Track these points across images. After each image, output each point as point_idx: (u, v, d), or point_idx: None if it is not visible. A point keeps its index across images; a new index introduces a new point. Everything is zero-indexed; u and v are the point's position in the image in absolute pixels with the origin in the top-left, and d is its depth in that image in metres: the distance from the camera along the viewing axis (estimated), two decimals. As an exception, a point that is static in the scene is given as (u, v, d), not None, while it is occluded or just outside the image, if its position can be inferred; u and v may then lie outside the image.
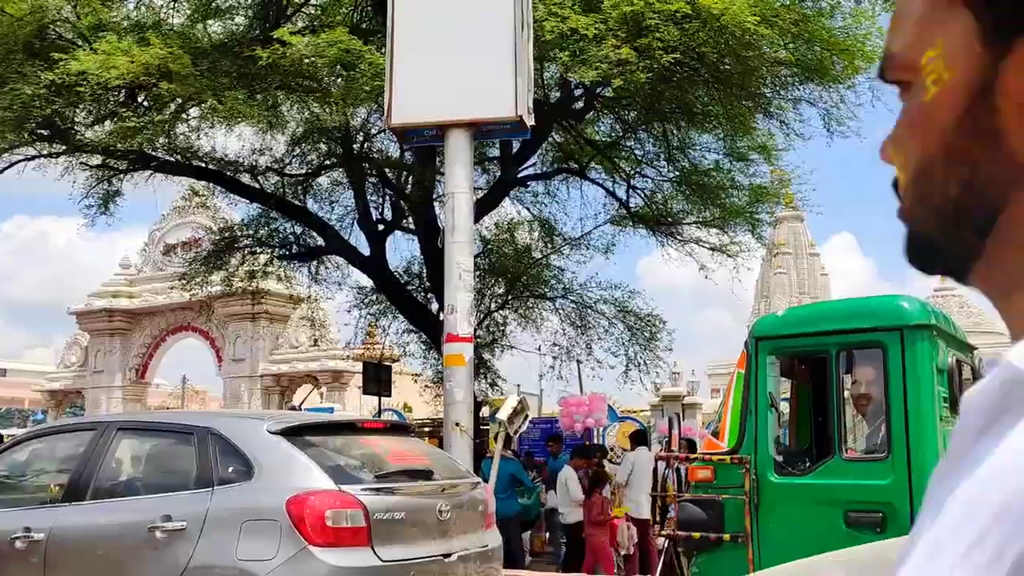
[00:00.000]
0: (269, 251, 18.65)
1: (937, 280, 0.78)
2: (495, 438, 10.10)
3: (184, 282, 18.71)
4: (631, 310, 17.37)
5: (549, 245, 18.02)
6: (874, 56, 12.46)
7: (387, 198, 17.37)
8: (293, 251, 18.34)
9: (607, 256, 17.56)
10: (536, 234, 18.12)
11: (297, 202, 17.38)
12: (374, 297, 19.28)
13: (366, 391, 18.25)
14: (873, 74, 12.75)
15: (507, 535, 8.28)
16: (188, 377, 34.32)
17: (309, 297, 20.30)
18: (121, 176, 16.63)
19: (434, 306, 19.25)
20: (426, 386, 20.21)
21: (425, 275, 17.40)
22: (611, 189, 16.38)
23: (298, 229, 18.22)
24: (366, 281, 18.71)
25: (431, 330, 16.99)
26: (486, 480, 8.01)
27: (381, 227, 17.39)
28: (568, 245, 17.69)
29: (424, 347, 18.88)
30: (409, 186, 16.08)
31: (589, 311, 17.81)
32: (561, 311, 18.11)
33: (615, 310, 17.43)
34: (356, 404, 30.95)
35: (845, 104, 13.63)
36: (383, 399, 18.69)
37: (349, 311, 19.40)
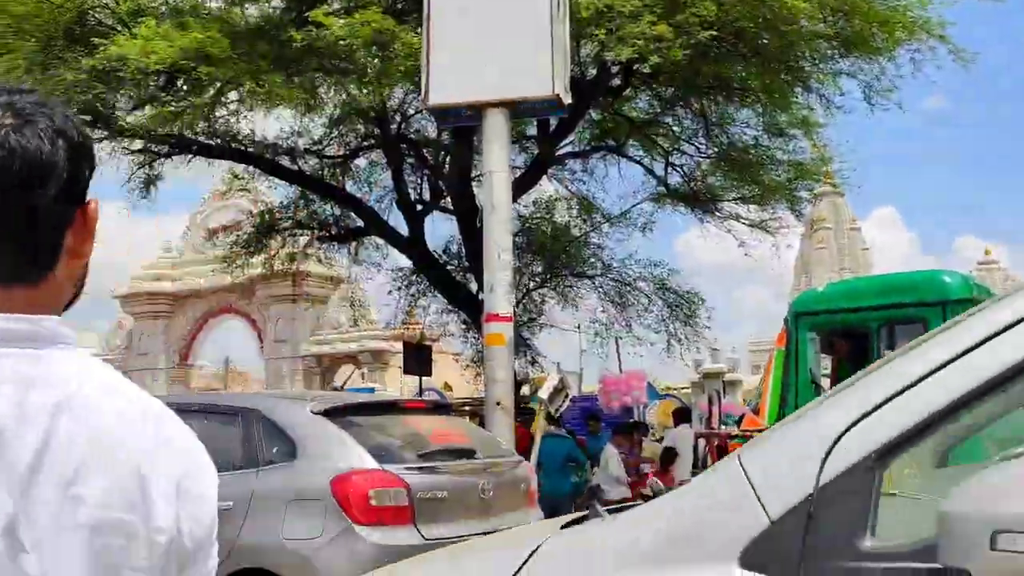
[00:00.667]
0: (309, 233, 18.76)
1: (981, 254, 0.78)
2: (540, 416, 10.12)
3: (226, 264, 18.85)
4: (670, 288, 17.28)
5: (587, 223, 17.95)
6: (914, 27, 12.26)
7: (425, 179, 17.38)
8: (332, 233, 18.43)
9: (645, 233, 17.48)
10: (574, 212, 18.06)
11: (335, 183, 17.46)
12: (413, 277, 19.35)
13: (407, 371, 18.30)
14: (914, 44, 12.56)
15: (560, 514, 8.29)
16: (231, 359, 34.71)
17: (349, 278, 20.35)
18: (162, 160, 16.79)
19: (473, 286, 19.28)
20: (467, 366, 20.28)
21: (463, 255, 17.42)
22: (649, 167, 16.27)
23: (337, 211, 18.29)
24: (405, 262, 18.82)
25: (471, 309, 17.01)
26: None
27: (419, 207, 17.42)
28: (607, 223, 17.61)
29: (464, 326, 18.93)
30: (447, 166, 16.06)
31: (628, 288, 17.75)
32: (600, 289, 18.07)
33: (654, 287, 17.35)
34: (397, 384, 31.13)
35: (885, 76, 13.42)
36: (423, 379, 18.72)
37: (389, 292, 19.48)
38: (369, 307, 31.25)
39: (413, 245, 17.27)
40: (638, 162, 16.30)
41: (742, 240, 16.25)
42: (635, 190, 16.96)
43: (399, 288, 19.53)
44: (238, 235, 18.74)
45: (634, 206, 16.92)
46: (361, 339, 30.95)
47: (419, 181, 17.53)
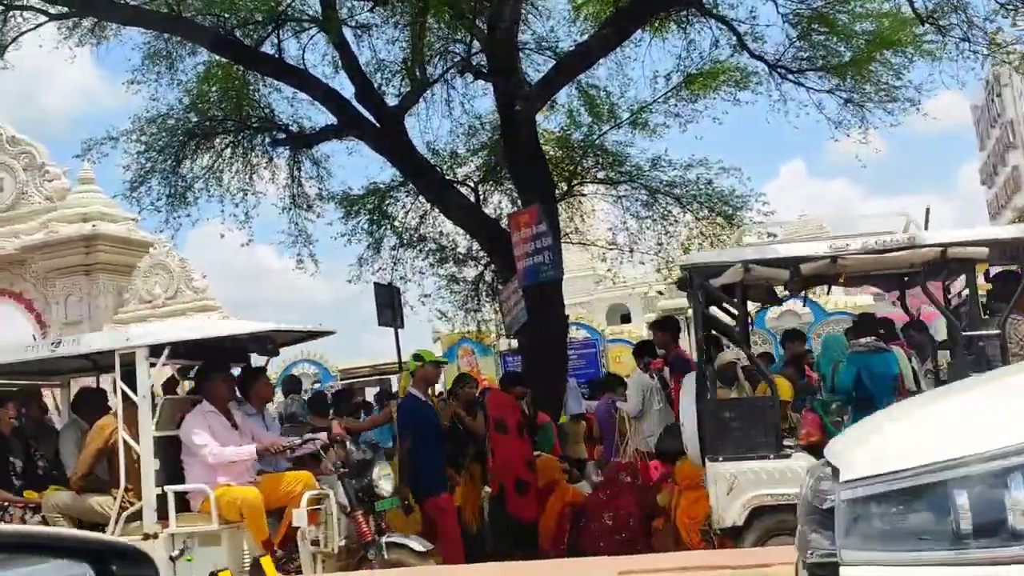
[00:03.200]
0: (241, 138, 13.84)
1: None
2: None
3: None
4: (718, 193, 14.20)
5: (613, 114, 14.45)
6: None
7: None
8: (286, 135, 13.69)
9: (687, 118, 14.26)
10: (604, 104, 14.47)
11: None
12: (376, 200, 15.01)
13: (381, 322, 13.86)
14: None
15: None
16: (-1, 352, 27.41)
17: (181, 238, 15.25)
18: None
19: (498, 199, 15.23)
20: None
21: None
22: (731, 23, 13.02)
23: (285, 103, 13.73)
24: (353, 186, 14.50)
25: (488, 232, 13.10)
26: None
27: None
28: (644, 109, 14.16)
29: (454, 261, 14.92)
30: (487, 24, 11.90)
31: (661, 196, 14.48)
32: (626, 199, 14.65)
33: (700, 192, 14.19)
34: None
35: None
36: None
37: (347, 235, 15.01)
38: (192, 272, 25.80)
39: (401, 146, 12.95)
40: (719, 17, 12.98)
41: (836, 121, 13.45)
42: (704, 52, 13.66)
43: (351, 217, 14.99)
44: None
45: (707, 64, 13.57)
46: (186, 311, 25.22)
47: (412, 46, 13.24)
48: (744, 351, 7.92)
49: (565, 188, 14.16)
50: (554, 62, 14.08)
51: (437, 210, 14.85)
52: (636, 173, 14.47)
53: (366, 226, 15.26)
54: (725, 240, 14.49)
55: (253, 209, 14.28)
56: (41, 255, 25.58)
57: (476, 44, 12.84)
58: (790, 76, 13.38)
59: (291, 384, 13.52)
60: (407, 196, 15.37)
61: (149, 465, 6.64)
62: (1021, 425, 2.05)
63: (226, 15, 12.49)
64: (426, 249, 15.58)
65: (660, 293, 29.74)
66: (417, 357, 9.10)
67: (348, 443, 7.38)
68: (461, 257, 15.68)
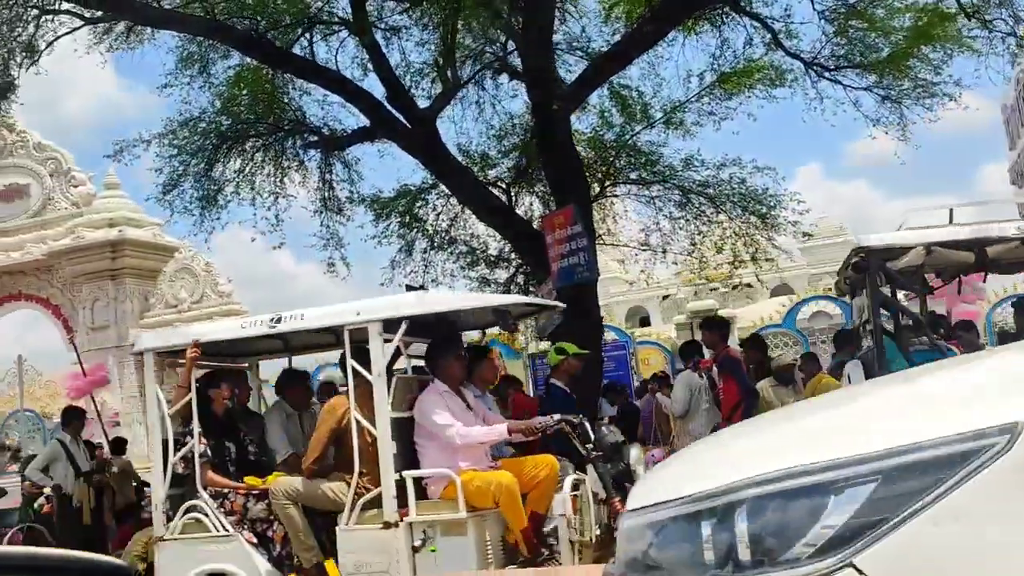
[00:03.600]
0: (271, 142, 13.80)
1: None
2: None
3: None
4: (752, 192, 14.04)
5: (645, 114, 14.33)
6: None
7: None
8: (318, 137, 13.64)
9: (720, 117, 14.13)
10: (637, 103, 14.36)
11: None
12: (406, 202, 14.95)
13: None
14: None
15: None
16: (25, 358, 27.42)
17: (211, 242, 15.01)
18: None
19: (529, 200, 15.14)
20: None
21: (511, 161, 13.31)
22: (766, 20, 12.88)
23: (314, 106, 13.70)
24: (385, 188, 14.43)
25: (521, 235, 13.00)
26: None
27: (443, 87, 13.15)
28: (677, 109, 14.05)
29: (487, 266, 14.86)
30: (519, 22, 11.80)
31: (694, 196, 14.34)
32: (659, 199, 14.52)
33: (733, 192, 14.05)
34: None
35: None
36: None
37: (377, 238, 14.95)
38: (217, 276, 25.83)
39: (433, 147, 12.86)
40: (754, 15, 12.85)
41: (872, 117, 13.28)
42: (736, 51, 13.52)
43: (383, 219, 14.94)
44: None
45: (739, 63, 13.45)
46: (212, 316, 25.22)
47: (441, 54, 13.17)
48: (928, 337, 7.38)
49: (597, 190, 14.05)
50: (586, 62, 14.00)
51: (468, 212, 14.77)
52: (669, 173, 14.35)
53: (397, 228, 15.21)
54: (759, 240, 14.36)
55: (284, 212, 14.24)
56: (68, 260, 25.69)
57: (509, 45, 12.76)
58: (826, 73, 13.25)
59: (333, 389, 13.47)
60: (438, 198, 15.31)
61: (387, 448, 6.21)
62: (757, 458, 2.08)
63: (257, 18, 12.46)
64: (457, 251, 15.51)
65: (695, 294, 29.55)
66: (560, 351, 8.86)
67: (602, 425, 6.96)
68: (492, 259, 15.60)
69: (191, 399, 6.94)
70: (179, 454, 6.94)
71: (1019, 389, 1.92)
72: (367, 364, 6.30)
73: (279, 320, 6.79)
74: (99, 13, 12.05)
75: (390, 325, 6.25)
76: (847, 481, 1.86)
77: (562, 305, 7.61)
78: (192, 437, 6.93)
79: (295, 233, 39.25)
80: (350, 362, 6.33)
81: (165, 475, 7.00)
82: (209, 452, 7.09)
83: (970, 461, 1.76)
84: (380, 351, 6.22)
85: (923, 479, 1.80)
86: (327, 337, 7.34)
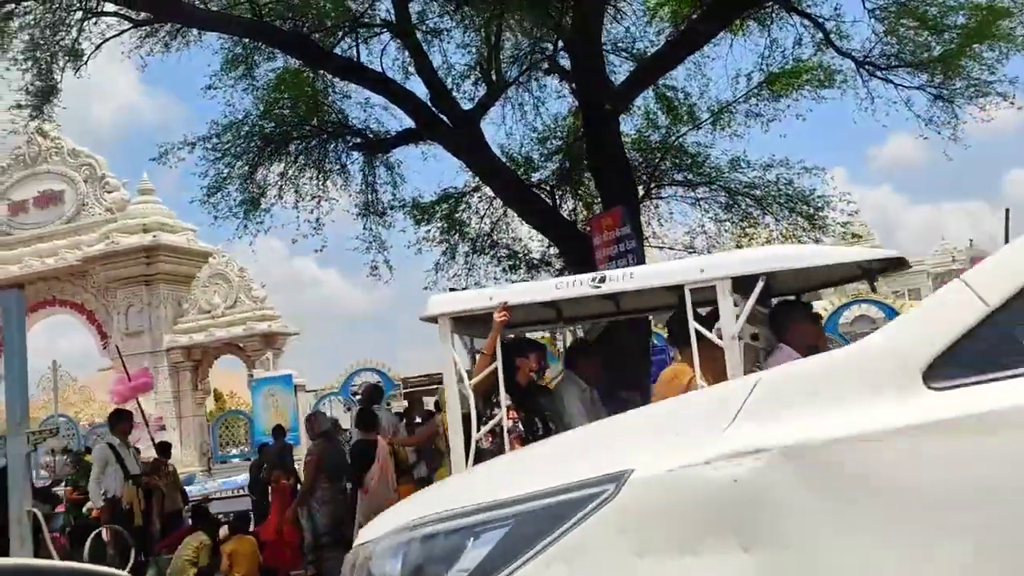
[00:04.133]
0: (312, 146, 13.73)
1: None
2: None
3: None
4: (799, 193, 13.83)
5: (691, 113, 14.16)
6: None
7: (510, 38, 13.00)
8: (363, 139, 13.55)
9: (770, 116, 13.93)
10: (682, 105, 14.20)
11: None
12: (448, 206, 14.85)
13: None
14: None
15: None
16: (60, 363, 27.48)
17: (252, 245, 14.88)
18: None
19: (572, 204, 14.98)
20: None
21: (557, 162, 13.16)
22: (817, 19, 12.67)
23: (355, 108, 13.64)
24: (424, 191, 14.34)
25: (568, 238, 12.85)
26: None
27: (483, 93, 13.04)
28: (725, 110, 13.87)
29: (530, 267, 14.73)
30: (569, 17, 11.64)
31: (741, 197, 14.14)
32: (706, 201, 14.33)
33: (780, 193, 13.84)
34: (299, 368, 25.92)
35: None
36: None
37: (419, 243, 14.85)
38: (251, 282, 25.86)
39: (478, 148, 12.73)
40: (807, 14, 12.65)
41: (924, 116, 13.04)
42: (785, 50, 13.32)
43: (423, 223, 14.83)
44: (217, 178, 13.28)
45: (790, 63, 13.24)
46: (246, 321, 25.28)
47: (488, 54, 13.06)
48: None
49: (642, 192, 13.87)
50: (629, 62, 13.85)
51: (512, 214, 14.64)
52: (715, 175, 14.16)
53: (438, 234, 15.10)
54: (807, 242, 14.11)
55: (325, 216, 14.15)
56: (102, 266, 25.81)
57: (552, 45, 12.63)
58: (878, 73, 13.03)
59: (374, 394, 13.40)
60: (480, 201, 15.19)
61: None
62: (444, 498, 2.23)
63: (303, 19, 12.42)
64: (499, 255, 15.37)
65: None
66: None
67: None
68: (535, 263, 15.45)
69: (496, 368, 6.26)
70: (485, 428, 6.29)
71: (629, 441, 2.06)
72: (685, 330, 5.59)
73: (603, 280, 6.00)
74: (144, 15, 12.00)
75: (741, 283, 5.43)
76: (485, 525, 1.96)
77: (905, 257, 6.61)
78: (499, 409, 6.29)
79: (308, 241, 39.40)
80: (693, 325, 5.55)
81: (468, 453, 6.27)
82: (521, 426, 6.58)
83: (582, 507, 1.85)
84: (731, 312, 5.43)
85: (544, 524, 1.89)
86: (656, 299, 6.52)
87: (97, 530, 10.13)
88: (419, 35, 12.78)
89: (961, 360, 1.68)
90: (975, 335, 1.68)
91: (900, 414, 1.69)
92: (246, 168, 13.40)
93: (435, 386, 22.93)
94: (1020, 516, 1.58)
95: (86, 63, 12.01)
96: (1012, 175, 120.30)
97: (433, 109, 12.55)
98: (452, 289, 14.03)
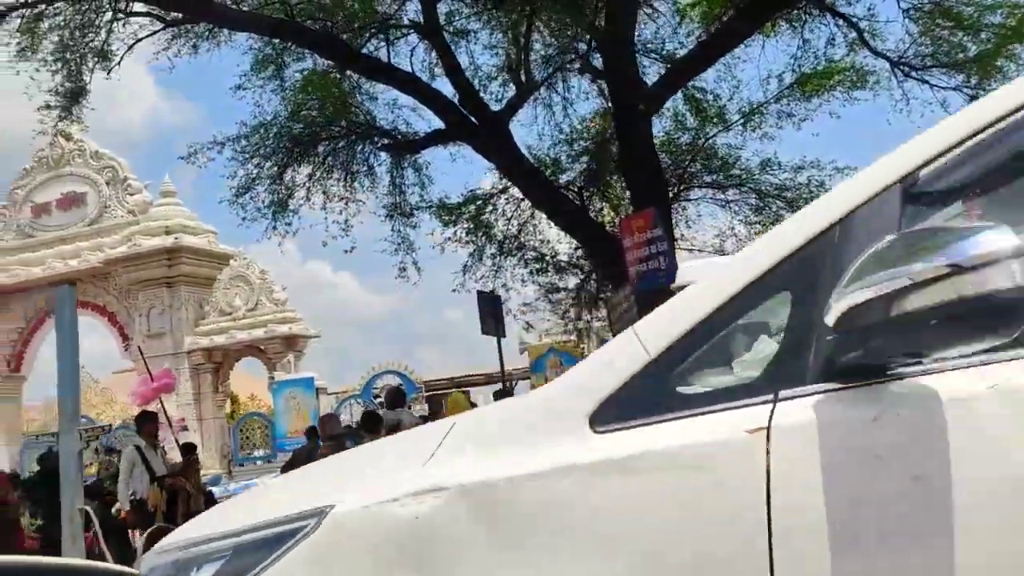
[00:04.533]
0: (340, 147, 13.70)
1: None
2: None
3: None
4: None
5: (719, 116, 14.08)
6: None
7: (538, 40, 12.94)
8: (392, 140, 13.52)
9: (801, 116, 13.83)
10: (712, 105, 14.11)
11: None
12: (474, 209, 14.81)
13: (484, 331, 13.54)
14: None
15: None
16: (84, 365, 27.60)
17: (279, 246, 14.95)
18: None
19: (600, 205, 14.94)
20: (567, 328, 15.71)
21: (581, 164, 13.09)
22: (852, 19, 12.56)
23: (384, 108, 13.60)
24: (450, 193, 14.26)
25: (595, 238, 12.78)
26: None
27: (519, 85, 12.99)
28: (789, 94, 13.69)
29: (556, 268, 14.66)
30: (602, 17, 11.57)
31: (772, 200, 14.06)
32: (736, 204, 14.26)
33: (812, 196, 13.71)
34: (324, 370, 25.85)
35: None
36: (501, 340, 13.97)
37: (444, 242, 14.80)
38: (272, 284, 25.85)
39: (507, 149, 12.68)
40: (842, 14, 12.54)
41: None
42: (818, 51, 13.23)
43: (451, 224, 14.78)
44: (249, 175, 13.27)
45: (823, 64, 13.14)
46: (267, 324, 25.27)
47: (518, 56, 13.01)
48: None
49: (671, 194, 13.80)
50: (659, 63, 13.79)
51: (540, 216, 14.60)
52: (746, 176, 14.08)
53: (465, 235, 15.07)
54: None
55: (353, 217, 14.12)
56: (124, 268, 25.84)
57: (582, 47, 12.57)
58: (913, 73, 12.92)
59: (396, 397, 13.31)
60: (507, 203, 15.15)
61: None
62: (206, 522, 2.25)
63: (333, 20, 12.40)
64: (526, 257, 15.32)
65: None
66: None
67: None
68: (562, 265, 15.40)
69: None
70: None
71: (343, 478, 2.12)
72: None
73: None
74: (174, 15, 12.00)
75: None
76: (208, 556, 2.01)
77: None
78: None
79: (337, 242, 39.37)
80: None
81: None
82: None
83: (286, 541, 1.90)
84: None
85: (253, 558, 1.92)
86: None
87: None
88: (447, 36, 12.75)
89: (623, 405, 1.77)
90: (636, 383, 1.78)
91: (565, 455, 1.78)
92: (275, 169, 13.39)
93: (454, 390, 22.89)
94: (668, 546, 1.68)
95: (118, 64, 12.00)
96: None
97: (462, 110, 12.52)
98: (480, 292, 13.98)
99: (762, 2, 11.67)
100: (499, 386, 23.07)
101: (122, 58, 12.05)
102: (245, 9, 12.11)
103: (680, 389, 1.78)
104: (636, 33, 12.98)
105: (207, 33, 12.49)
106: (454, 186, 42.25)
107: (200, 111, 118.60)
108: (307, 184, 13.92)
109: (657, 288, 11.59)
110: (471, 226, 15.17)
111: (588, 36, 11.90)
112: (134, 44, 12.02)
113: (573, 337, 16.70)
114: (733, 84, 14.03)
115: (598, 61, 12.44)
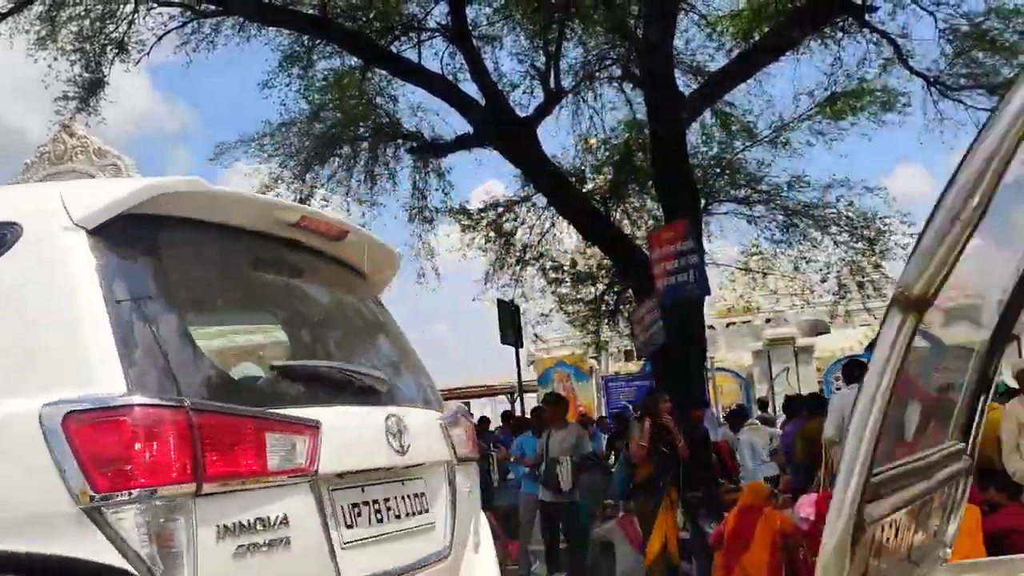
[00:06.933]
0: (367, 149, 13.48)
1: None
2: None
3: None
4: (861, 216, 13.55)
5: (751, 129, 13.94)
6: None
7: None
8: (419, 143, 13.31)
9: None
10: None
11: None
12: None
13: (504, 340, 13.32)
14: None
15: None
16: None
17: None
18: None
19: (619, 216, 14.71)
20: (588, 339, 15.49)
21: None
22: (890, 36, 12.41)
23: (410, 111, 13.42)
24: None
25: (623, 252, 12.57)
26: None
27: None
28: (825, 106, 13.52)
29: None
30: (639, 23, 11.39)
31: (800, 218, 13.86)
32: (763, 220, 14.06)
33: (840, 215, 13.57)
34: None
35: None
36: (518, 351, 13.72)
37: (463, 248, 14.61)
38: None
39: (534, 155, 12.48)
40: (879, 30, 12.38)
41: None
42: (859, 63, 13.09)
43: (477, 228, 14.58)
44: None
45: (860, 80, 13.01)
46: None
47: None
48: None
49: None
50: (689, 76, 13.64)
51: (559, 227, 14.40)
52: (773, 193, 13.91)
53: (484, 242, 14.85)
54: (865, 265, 13.80)
55: (373, 221, 13.91)
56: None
57: (625, 51, 12.39)
58: (949, 93, 12.78)
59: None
60: (528, 211, 14.93)
61: None
62: None
63: (362, 19, 12.21)
64: (545, 267, 15.09)
65: (768, 320, 28.83)
66: None
67: None
68: (582, 276, 15.17)
69: None
70: None
71: None
72: None
73: None
74: (205, 6, 11.76)
75: None
76: None
77: None
78: None
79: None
80: None
81: None
82: None
83: None
84: None
85: None
86: None
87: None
88: (475, 41, 12.56)
89: None
90: None
91: None
92: (299, 168, 13.16)
93: (473, 399, 22.29)
94: None
95: (147, 54, 11.76)
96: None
97: (491, 115, 12.32)
98: (500, 301, 13.74)
99: (806, 17, 11.50)
100: (491, 399, 22.70)
101: (151, 49, 11.81)
102: (276, 4, 11.88)
103: None
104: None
105: (237, 27, 12.25)
106: (462, 194, 42.29)
107: (200, 111, 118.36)
108: (327, 184, 13.71)
109: (687, 299, 11.40)
110: (489, 235, 14.96)
111: (626, 44, 11.70)
112: (163, 36, 11.79)
113: (591, 349, 16.48)
114: (764, 100, 13.88)
115: (640, 70, 12.25)
